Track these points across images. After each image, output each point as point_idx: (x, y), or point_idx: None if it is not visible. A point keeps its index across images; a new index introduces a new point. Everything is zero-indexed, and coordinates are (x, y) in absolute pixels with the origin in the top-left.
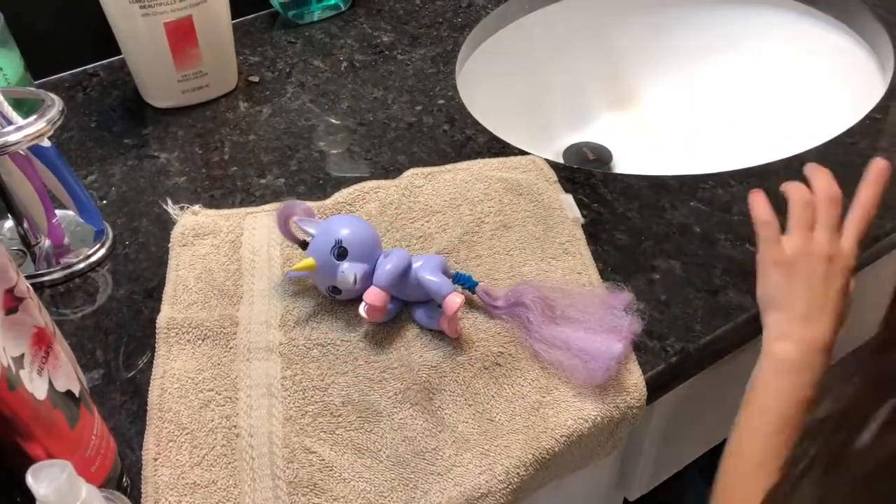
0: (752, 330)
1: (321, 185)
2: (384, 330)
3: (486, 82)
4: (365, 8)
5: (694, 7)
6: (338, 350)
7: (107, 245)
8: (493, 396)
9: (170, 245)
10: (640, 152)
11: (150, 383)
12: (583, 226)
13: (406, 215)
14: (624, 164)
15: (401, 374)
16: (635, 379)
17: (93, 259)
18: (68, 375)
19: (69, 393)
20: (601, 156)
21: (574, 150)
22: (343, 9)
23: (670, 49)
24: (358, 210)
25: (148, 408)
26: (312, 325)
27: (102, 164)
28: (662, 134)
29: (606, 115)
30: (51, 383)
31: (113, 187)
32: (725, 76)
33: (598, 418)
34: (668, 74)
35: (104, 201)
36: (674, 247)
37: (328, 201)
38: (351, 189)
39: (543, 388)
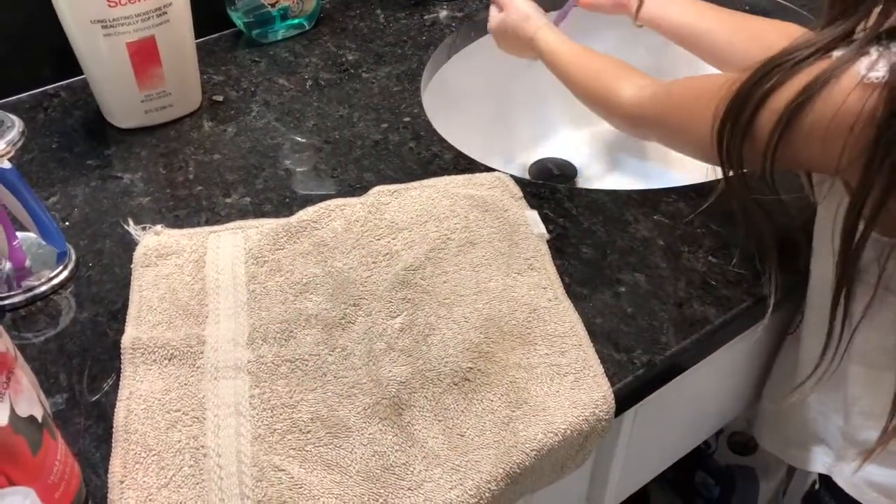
0: (717, 341)
1: (287, 204)
2: (353, 345)
3: (452, 99)
4: (329, 27)
5: None
6: (306, 366)
7: (69, 267)
8: (462, 411)
9: (132, 266)
10: (604, 167)
11: (116, 405)
12: (548, 240)
13: (372, 232)
14: (588, 178)
15: (370, 389)
16: (603, 391)
17: (55, 281)
18: (30, 400)
19: (31, 418)
20: (566, 171)
21: (539, 166)
22: (307, 28)
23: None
24: (323, 228)
25: (114, 430)
26: (281, 341)
27: (64, 186)
28: (626, 149)
29: (570, 131)
30: (12, 409)
31: (75, 208)
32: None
33: (568, 431)
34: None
35: (66, 223)
36: (638, 260)
37: (293, 219)
38: (317, 207)
39: (513, 402)
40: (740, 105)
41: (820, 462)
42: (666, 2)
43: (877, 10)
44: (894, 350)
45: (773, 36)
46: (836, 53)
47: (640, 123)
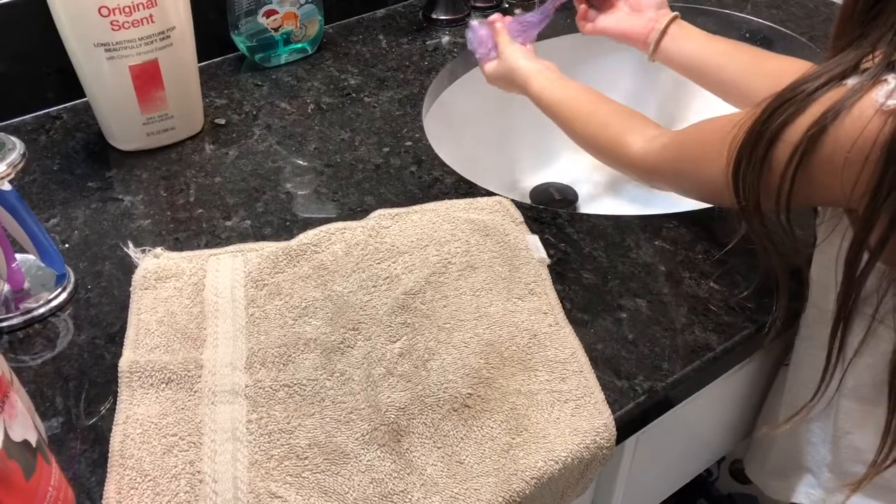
0: (718, 368)
1: (288, 227)
2: (351, 370)
3: (453, 124)
4: (332, 52)
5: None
6: (304, 391)
7: (68, 289)
8: (462, 438)
9: (131, 289)
10: (605, 192)
11: (112, 429)
12: (549, 265)
13: (372, 256)
14: (589, 203)
15: (368, 415)
16: (605, 418)
17: (53, 304)
18: (25, 425)
19: (26, 443)
20: (567, 195)
21: (540, 191)
22: (310, 52)
23: (634, 91)
24: (324, 251)
25: (109, 455)
26: (279, 366)
27: (65, 208)
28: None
29: (571, 156)
30: (6, 433)
31: (76, 231)
32: (689, 117)
33: (569, 459)
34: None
35: (66, 245)
36: (640, 286)
37: (293, 242)
38: (317, 230)
39: (513, 429)
40: (754, 140)
41: (804, 493)
42: (679, 35)
43: (888, 37)
44: (885, 385)
45: (787, 73)
46: (850, 82)
47: (655, 175)
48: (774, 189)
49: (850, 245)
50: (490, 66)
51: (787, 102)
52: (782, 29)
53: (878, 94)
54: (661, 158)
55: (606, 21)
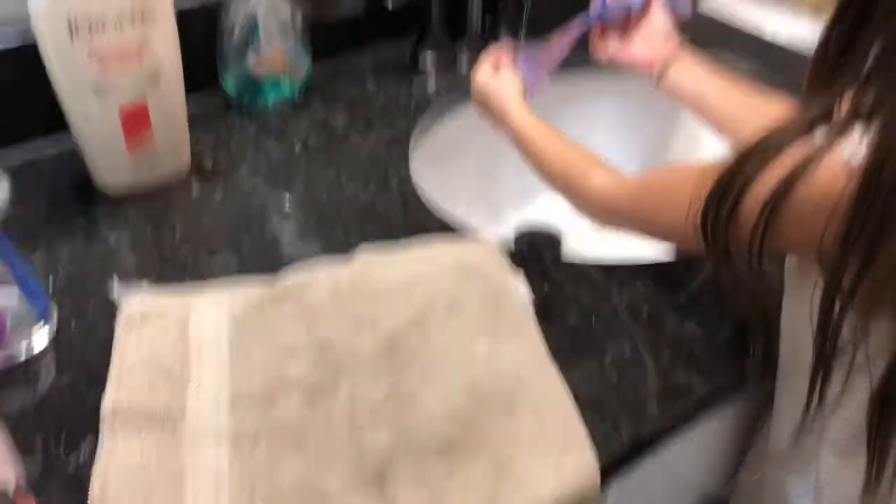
0: (702, 411)
1: (273, 267)
2: (336, 412)
3: (439, 164)
4: (319, 94)
5: (643, 94)
6: (288, 433)
7: (51, 329)
8: (446, 482)
9: (115, 328)
10: (589, 232)
11: (93, 473)
12: (534, 308)
13: (357, 297)
14: (574, 244)
15: (352, 457)
16: (589, 462)
17: (36, 342)
18: (3, 469)
19: (2, 493)
20: (551, 236)
21: (525, 231)
22: (297, 94)
23: (617, 132)
24: (308, 292)
25: (89, 499)
26: (263, 407)
27: (50, 246)
28: None
29: (555, 196)
30: None
31: (60, 269)
32: (672, 158)
33: (554, 502)
34: (615, 156)
35: (51, 283)
36: (623, 329)
37: (278, 282)
38: (302, 271)
39: (498, 472)
40: (723, 191)
41: None
42: (681, 68)
43: (851, 91)
44: (863, 435)
45: (776, 111)
46: (818, 136)
47: (613, 213)
48: (745, 239)
49: (822, 294)
50: (483, 79)
51: (757, 154)
52: (761, 79)
53: (845, 150)
54: (622, 197)
55: (617, 49)
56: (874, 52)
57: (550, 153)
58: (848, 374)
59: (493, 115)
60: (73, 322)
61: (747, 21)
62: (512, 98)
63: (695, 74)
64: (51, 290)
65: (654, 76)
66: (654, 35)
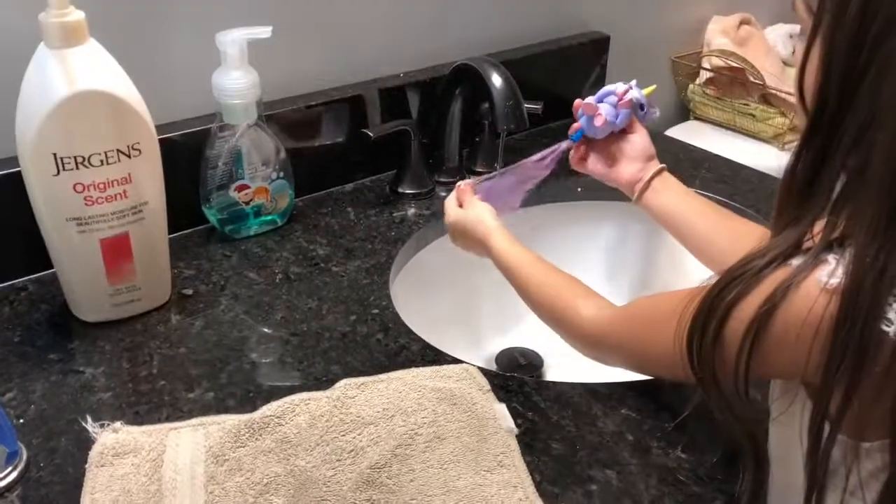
0: None
1: (251, 398)
2: None
3: (420, 291)
4: (301, 223)
5: (620, 218)
6: None
7: (19, 468)
8: None
9: (86, 466)
10: (569, 356)
11: None
12: (518, 435)
13: (337, 428)
14: (555, 368)
15: None
16: None
17: (2, 484)
18: None
19: None
20: (532, 360)
21: (505, 355)
22: (280, 224)
23: (596, 257)
24: (287, 423)
25: None
26: None
27: (23, 381)
28: None
29: (535, 320)
30: None
31: (32, 405)
32: (650, 280)
33: None
34: (594, 281)
35: (21, 420)
36: (608, 456)
37: (256, 414)
38: (281, 401)
39: None
40: (706, 316)
41: None
42: (660, 188)
43: (824, 218)
44: None
45: (753, 236)
46: (794, 262)
47: (601, 345)
48: (731, 364)
49: (810, 419)
50: (454, 214)
51: (737, 280)
52: (730, 202)
53: (821, 274)
54: (609, 328)
55: (598, 166)
56: (840, 182)
57: (535, 284)
58: (842, 500)
59: (475, 247)
60: (42, 461)
61: (712, 148)
62: (491, 228)
63: (673, 195)
64: (21, 427)
65: (636, 193)
66: (637, 153)
